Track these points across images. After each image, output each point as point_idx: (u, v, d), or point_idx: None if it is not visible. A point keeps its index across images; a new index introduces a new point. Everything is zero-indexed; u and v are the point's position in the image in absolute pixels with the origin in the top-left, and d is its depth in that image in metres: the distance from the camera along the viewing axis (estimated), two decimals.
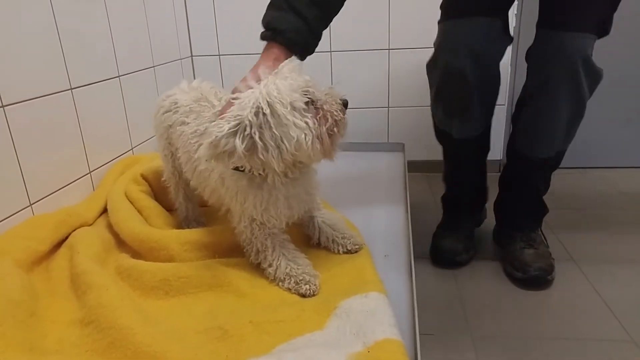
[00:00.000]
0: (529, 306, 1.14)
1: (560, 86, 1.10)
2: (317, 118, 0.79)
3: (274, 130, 0.75)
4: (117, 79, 1.40)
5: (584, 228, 1.52)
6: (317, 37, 1.02)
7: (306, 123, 0.76)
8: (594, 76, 1.10)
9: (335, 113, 0.79)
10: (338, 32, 1.76)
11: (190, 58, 1.92)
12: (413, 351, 0.73)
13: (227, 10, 1.84)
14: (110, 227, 1.07)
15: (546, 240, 1.31)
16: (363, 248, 0.99)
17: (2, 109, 0.99)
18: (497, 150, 1.98)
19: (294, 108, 0.76)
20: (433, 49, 1.18)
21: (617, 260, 1.32)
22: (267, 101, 0.75)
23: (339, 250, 0.98)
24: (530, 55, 1.16)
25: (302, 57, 0.98)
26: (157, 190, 1.20)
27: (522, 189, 1.31)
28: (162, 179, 1.12)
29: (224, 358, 0.68)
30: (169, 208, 1.17)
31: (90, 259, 0.91)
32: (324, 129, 0.78)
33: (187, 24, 1.88)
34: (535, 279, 1.19)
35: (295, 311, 0.78)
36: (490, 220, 1.46)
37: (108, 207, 1.12)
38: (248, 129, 0.76)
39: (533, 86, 1.16)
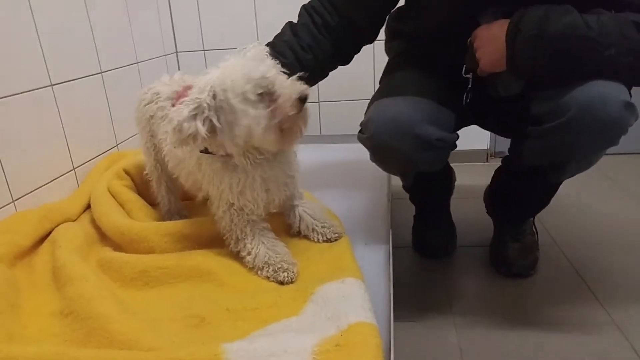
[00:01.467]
0: (513, 292, 1.16)
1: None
2: (271, 110, 0.79)
3: (228, 115, 0.78)
4: (100, 75, 1.40)
5: (567, 213, 1.53)
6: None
7: (257, 114, 0.77)
8: None
9: (288, 108, 0.78)
10: None
11: (175, 54, 1.92)
12: (388, 336, 0.75)
13: (210, 4, 1.84)
14: (93, 221, 1.08)
15: (536, 228, 1.29)
16: (343, 237, 1.00)
17: None
18: (483, 138, 1.99)
19: (245, 98, 0.77)
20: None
21: (599, 244, 1.34)
22: (221, 88, 0.77)
23: (318, 239, 0.99)
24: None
25: None
26: (140, 185, 1.20)
27: (520, 188, 1.18)
28: (145, 172, 1.13)
29: (199, 344, 0.69)
30: (152, 202, 1.18)
31: (72, 252, 0.91)
32: (276, 121, 0.79)
33: (171, 19, 1.88)
34: (517, 275, 1.20)
35: (272, 298, 0.79)
36: (477, 199, 1.46)
37: (91, 201, 1.13)
38: (206, 111, 0.78)
39: None
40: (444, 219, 1.36)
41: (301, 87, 0.79)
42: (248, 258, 0.90)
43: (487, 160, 2.05)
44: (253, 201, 0.89)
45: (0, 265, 0.85)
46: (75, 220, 1.12)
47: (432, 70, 1.04)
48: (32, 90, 1.13)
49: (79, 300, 0.76)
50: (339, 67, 1.15)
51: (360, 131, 1.00)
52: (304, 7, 1.09)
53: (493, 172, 1.28)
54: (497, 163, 1.28)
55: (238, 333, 0.71)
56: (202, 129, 0.77)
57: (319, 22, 1.05)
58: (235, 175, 0.87)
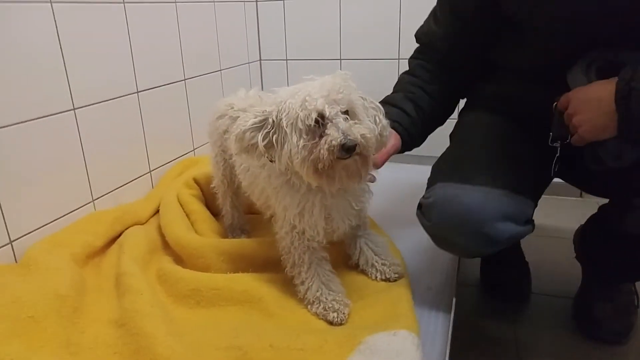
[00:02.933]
0: (599, 358, 1.01)
1: None
2: (311, 145, 0.74)
3: (280, 135, 0.77)
4: (183, 82, 1.46)
5: None
6: (418, 127, 0.98)
7: (296, 143, 0.74)
8: None
9: (324, 150, 0.72)
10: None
11: (258, 62, 1.95)
12: None
13: (296, 15, 1.85)
14: (159, 228, 1.12)
15: (635, 288, 1.09)
16: (403, 277, 0.93)
17: (73, 111, 1.07)
18: None
19: (294, 124, 0.74)
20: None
21: None
22: (281, 108, 0.76)
23: (377, 277, 0.94)
24: None
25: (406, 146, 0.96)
26: (207, 195, 1.23)
27: (619, 250, 0.99)
28: (212, 185, 1.14)
29: None
30: (217, 213, 1.20)
31: (134, 260, 0.95)
32: (313, 157, 0.74)
33: (258, 27, 1.91)
34: (605, 341, 1.04)
35: (318, 341, 0.74)
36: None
37: (160, 208, 1.17)
38: (269, 126, 0.77)
39: None
40: (517, 255, 1.23)
41: (353, 134, 0.72)
42: (301, 288, 0.87)
43: (580, 196, 1.83)
44: (313, 226, 0.86)
45: (72, 267, 0.91)
46: (144, 223, 1.17)
47: (513, 134, 0.92)
48: (119, 97, 1.19)
49: (132, 314, 0.78)
50: None
51: (419, 208, 0.91)
52: (413, 55, 1.06)
53: (587, 211, 1.12)
54: (591, 200, 1.11)
55: None
56: (261, 143, 0.77)
57: (429, 59, 1.01)
58: (296, 196, 0.84)
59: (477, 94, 1.06)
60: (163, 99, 1.36)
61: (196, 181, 1.23)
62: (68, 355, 0.72)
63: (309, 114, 0.73)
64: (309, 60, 1.88)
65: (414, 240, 1.07)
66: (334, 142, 0.72)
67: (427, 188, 0.91)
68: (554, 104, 0.83)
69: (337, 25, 1.79)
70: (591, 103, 0.76)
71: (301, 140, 0.74)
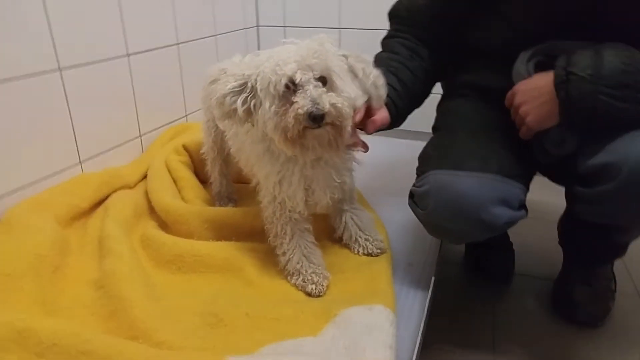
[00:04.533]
0: (573, 343, 1.02)
1: None
2: (281, 111, 0.72)
3: (257, 100, 0.75)
4: (176, 46, 1.42)
5: None
6: (404, 101, 0.94)
7: (268, 110, 0.72)
8: None
9: (290, 118, 0.70)
10: None
11: (256, 28, 1.91)
12: None
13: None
14: (146, 193, 1.12)
15: (614, 275, 1.12)
16: (385, 253, 0.93)
17: (59, 72, 1.04)
18: None
19: (267, 89, 0.72)
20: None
21: None
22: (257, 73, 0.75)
23: (359, 252, 0.94)
24: None
25: (393, 120, 0.92)
26: (196, 162, 1.22)
27: (589, 235, 1.03)
28: (201, 151, 1.13)
29: (210, 347, 0.68)
30: (206, 180, 1.19)
31: (119, 223, 0.95)
32: (283, 124, 0.72)
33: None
34: (582, 323, 1.06)
35: (294, 312, 0.75)
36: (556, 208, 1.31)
37: (147, 173, 1.16)
38: (248, 90, 0.75)
39: None
40: (502, 236, 1.24)
41: (323, 102, 0.70)
42: (282, 259, 0.88)
43: None
44: (292, 197, 0.85)
45: (54, 227, 0.91)
46: (132, 187, 1.17)
47: (496, 120, 0.91)
48: (108, 59, 1.17)
49: (111, 276, 0.79)
50: None
51: (411, 197, 0.90)
52: (387, 35, 1.03)
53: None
54: None
55: (250, 344, 0.68)
56: (240, 107, 0.75)
57: (407, 37, 0.98)
58: (276, 164, 0.83)
59: (454, 83, 1.05)
60: (155, 63, 1.33)
61: (186, 148, 1.22)
62: (44, 313, 0.72)
63: (280, 79, 0.71)
64: (307, 27, 1.83)
65: (399, 216, 1.07)
66: (300, 111, 0.69)
67: (418, 177, 0.90)
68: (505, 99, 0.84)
69: None
70: (533, 92, 0.78)
71: (273, 107, 0.72)
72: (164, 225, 1.01)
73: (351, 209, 0.98)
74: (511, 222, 0.84)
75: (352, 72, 0.79)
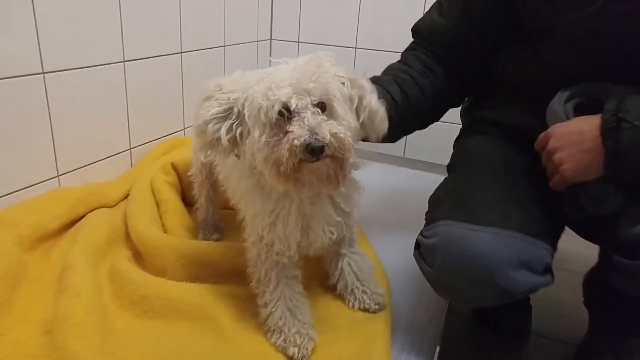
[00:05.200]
0: None
1: None
2: (273, 142, 0.61)
3: (244, 128, 0.65)
4: (179, 55, 1.33)
5: None
6: (401, 115, 0.84)
7: (257, 140, 0.62)
8: None
9: (284, 150, 0.60)
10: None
11: (269, 41, 1.81)
12: None
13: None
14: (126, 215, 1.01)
15: None
16: (384, 310, 0.81)
17: (42, 75, 0.95)
18: None
19: (257, 116, 0.62)
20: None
21: None
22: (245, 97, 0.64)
23: (354, 305, 0.82)
24: None
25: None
26: (185, 183, 1.11)
27: (622, 304, 0.88)
28: (189, 173, 1.02)
29: None
30: (193, 204, 1.08)
31: (86, 250, 0.84)
32: (275, 156, 0.61)
33: (272, 4, 1.77)
34: None
35: None
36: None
37: (130, 193, 1.06)
38: (234, 117, 0.65)
39: None
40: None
41: (322, 132, 0.59)
42: (263, 311, 0.76)
43: None
44: (284, 239, 0.73)
45: (12, 250, 0.80)
46: (113, 206, 1.06)
47: (522, 166, 0.79)
48: (100, 65, 1.07)
49: (62, 321, 0.68)
50: None
51: (417, 248, 0.78)
52: (407, 48, 0.94)
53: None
54: None
55: None
56: (224, 135, 0.65)
57: (427, 52, 0.90)
58: (268, 202, 0.72)
59: (474, 118, 0.93)
60: (154, 72, 1.24)
61: (174, 167, 1.11)
62: None
63: (272, 106, 0.60)
64: (322, 45, 1.73)
65: (405, 260, 0.94)
66: (296, 142, 0.59)
67: (427, 224, 0.78)
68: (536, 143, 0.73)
69: (355, 11, 1.63)
70: (573, 137, 0.66)
71: (263, 136, 0.62)
72: (138, 255, 0.90)
73: (350, 253, 0.86)
74: (533, 289, 0.71)
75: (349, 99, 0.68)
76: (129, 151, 1.22)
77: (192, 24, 1.34)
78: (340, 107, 0.65)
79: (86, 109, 1.06)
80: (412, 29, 0.94)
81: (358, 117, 0.68)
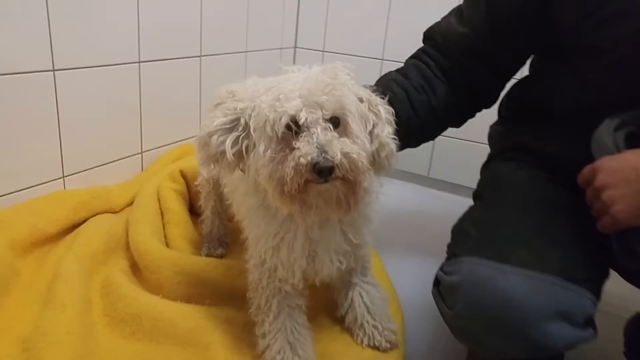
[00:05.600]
0: None
1: None
2: (279, 158, 0.55)
3: (250, 141, 0.59)
4: (198, 58, 1.28)
5: None
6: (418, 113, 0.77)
7: (262, 154, 0.56)
8: None
9: (290, 168, 0.53)
10: None
11: (293, 49, 1.76)
12: None
13: (340, 5, 1.64)
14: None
15: None
16: (396, 350, 0.72)
17: (52, 72, 0.91)
18: None
19: (263, 129, 0.56)
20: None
21: None
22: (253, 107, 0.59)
23: (363, 341, 0.74)
24: None
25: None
26: (193, 192, 1.05)
27: None
28: (196, 182, 0.97)
29: None
30: (200, 214, 1.02)
31: (80, 259, 0.79)
32: (279, 174, 0.55)
33: (298, 9, 1.72)
34: None
35: None
36: None
37: (135, 199, 1.01)
38: (241, 129, 0.59)
39: None
40: None
41: (332, 150, 0.53)
42: (260, 342, 0.69)
43: None
44: (288, 265, 0.66)
45: (4, 255, 0.76)
46: (118, 211, 1.02)
47: (560, 199, 0.70)
48: (116, 64, 1.04)
49: (42, 338, 0.62)
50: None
51: (436, 285, 0.69)
52: (413, 54, 0.85)
53: None
54: None
55: None
56: (229, 149, 0.59)
57: (431, 63, 0.80)
58: (273, 223, 0.65)
59: (506, 142, 0.84)
60: (171, 74, 1.19)
61: (183, 174, 1.06)
62: None
63: (279, 118, 0.54)
64: (348, 55, 1.66)
65: (422, 293, 0.85)
66: (302, 160, 0.52)
67: (448, 259, 0.69)
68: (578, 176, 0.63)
69: (383, 21, 1.57)
70: (626, 174, 0.57)
71: (268, 151, 0.56)
72: (136, 267, 0.85)
73: (362, 282, 0.78)
74: (571, 345, 0.61)
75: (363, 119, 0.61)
76: (140, 155, 1.18)
77: (213, 26, 1.29)
78: (355, 125, 0.58)
79: (97, 109, 1.03)
80: (424, 33, 0.86)
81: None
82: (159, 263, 0.79)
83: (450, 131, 0.90)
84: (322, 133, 0.54)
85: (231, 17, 1.39)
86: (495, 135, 0.93)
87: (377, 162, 0.62)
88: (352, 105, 0.57)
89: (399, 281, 0.92)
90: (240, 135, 0.59)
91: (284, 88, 0.56)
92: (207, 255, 0.93)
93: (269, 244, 0.66)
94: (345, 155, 0.53)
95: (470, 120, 0.89)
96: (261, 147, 0.57)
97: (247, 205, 0.68)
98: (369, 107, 0.61)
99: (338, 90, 0.56)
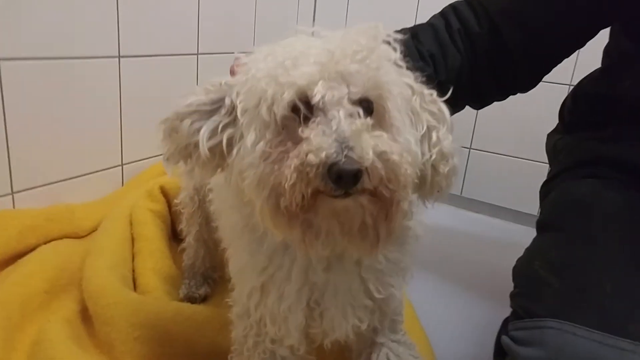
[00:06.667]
0: None
1: None
2: (276, 154, 0.36)
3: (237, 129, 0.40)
4: (195, 56, 1.10)
5: None
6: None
7: (252, 148, 0.37)
8: None
9: (292, 169, 0.34)
10: None
11: None
12: None
13: (360, 9, 1.48)
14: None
15: None
16: None
17: None
18: None
19: (256, 111, 0.38)
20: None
21: None
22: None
23: None
24: None
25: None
26: (175, 213, 0.84)
27: None
28: (176, 200, 0.76)
29: None
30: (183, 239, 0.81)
31: (9, 303, 0.59)
32: (274, 180, 0.36)
33: (314, 11, 1.56)
34: None
35: None
36: None
37: (101, 224, 0.80)
38: (225, 112, 0.41)
39: None
40: None
41: (360, 146, 0.34)
42: None
43: None
44: (280, 319, 0.45)
45: None
46: (84, 236, 0.82)
47: None
48: (95, 57, 0.86)
49: None
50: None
51: (500, 356, 0.50)
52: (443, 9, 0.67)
53: None
54: None
55: None
56: (205, 140, 0.40)
57: (454, 24, 0.63)
58: (258, 253, 0.44)
59: (582, 156, 0.66)
60: (158, 73, 1.01)
61: (164, 191, 0.86)
62: None
63: (281, 93, 0.36)
64: None
65: (463, 345, 0.63)
66: (311, 158, 0.33)
67: (517, 315, 0.50)
68: None
69: (403, 25, 1.41)
70: None
71: (261, 143, 0.37)
72: (85, 312, 0.64)
73: (390, 341, 0.56)
74: None
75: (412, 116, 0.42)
76: (120, 167, 0.99)
77: (213, 23, 1.12)
78: (399, 114, 0.39)
79: (60, 109, 0.84)
80: None
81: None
82: (114, 311, 0.58)
83: (488, 144, 0.70)
84: (345, 120, 0.35)
85: (234, 14, 1.21)
86: (561, 145, 0.73)
87: (428, 180, 0.41)
88: (394, 85, 0.38)
89: (435, 325, 0.70)
90: (221, 121, 0.40)
91: (293, 51, 0.37)
92: (186, 296, 0.72)
93: (252, 283, 0.45)
94: (381, 155, 0.34)
95: (512, 130, 0.69)
96: (250, 138, 0.38)
97: (230, 225, 0.48)
98: (420, 104, 0.42)
99: (375, 60, 0.36)
